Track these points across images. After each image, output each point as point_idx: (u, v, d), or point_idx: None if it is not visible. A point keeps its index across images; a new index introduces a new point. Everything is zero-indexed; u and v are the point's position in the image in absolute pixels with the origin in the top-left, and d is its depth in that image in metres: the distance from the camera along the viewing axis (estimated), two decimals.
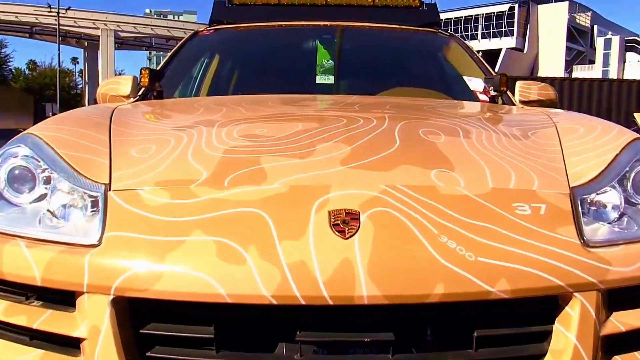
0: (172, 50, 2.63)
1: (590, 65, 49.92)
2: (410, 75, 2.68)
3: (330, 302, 0.99)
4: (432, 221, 1.07)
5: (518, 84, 2.20)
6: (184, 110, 1.90)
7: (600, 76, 38.62)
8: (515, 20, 47.08)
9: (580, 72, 46.93)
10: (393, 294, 0.99)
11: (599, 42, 50.09)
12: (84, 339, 1.05)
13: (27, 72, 53.16)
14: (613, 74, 45.30)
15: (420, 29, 2.79)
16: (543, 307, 1.08)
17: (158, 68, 2.42)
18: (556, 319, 1.07)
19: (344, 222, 1.05)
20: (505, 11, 47.30)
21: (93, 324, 1.04)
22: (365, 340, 1.03)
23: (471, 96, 2.32)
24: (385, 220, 1.07)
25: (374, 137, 1.35)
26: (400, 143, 1.32)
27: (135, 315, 1.06)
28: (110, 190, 1.16)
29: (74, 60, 55.62)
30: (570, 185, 1.22)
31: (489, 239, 1.06)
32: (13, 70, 50.12)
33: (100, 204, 1.15)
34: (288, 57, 2.70)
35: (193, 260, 1.02)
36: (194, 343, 1.05)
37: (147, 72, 2.17)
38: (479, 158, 1.28)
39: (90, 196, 1.17)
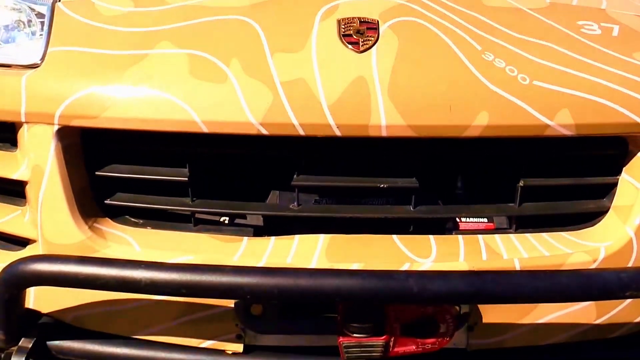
0: None
1: None
2: None
3: (338, 133, 0.76)
4: (474, 35, 0.81)
5: None
6: None
7: None
8: None
9: None
10: (421, 123, 0.76)
11: None
12: (25, 182, 0.84)
13: None
14: None
15: None
16: (608, 153, 0.85)
17: None
18: (624, 169, 0.85)
19: (358, 32, 0.79)
20: None
21: (35, 163, 0.82)
22: (381, 186, 0.82)
23: None
24: (412, 32, 0.81)
25: None
26: None
27: (91, 153, 0.84)
28: (59, 1, 0.92)
29: None
30: None
31: (548, 59, 0.81)
32: None
33: (47, 19, 0.91)
34: None
35: (158, 77, 0.78)
36: (164, 188, 0.84)
37: None
38: None
39: (38, 14, 0.93)
